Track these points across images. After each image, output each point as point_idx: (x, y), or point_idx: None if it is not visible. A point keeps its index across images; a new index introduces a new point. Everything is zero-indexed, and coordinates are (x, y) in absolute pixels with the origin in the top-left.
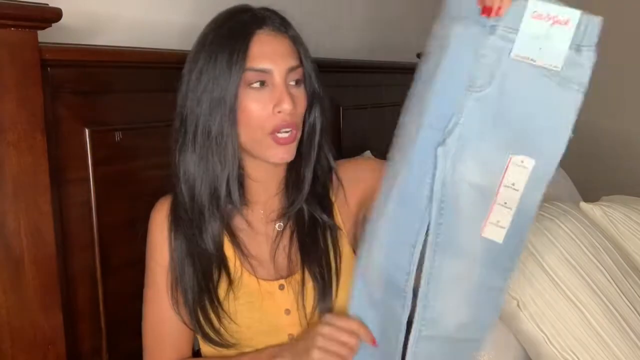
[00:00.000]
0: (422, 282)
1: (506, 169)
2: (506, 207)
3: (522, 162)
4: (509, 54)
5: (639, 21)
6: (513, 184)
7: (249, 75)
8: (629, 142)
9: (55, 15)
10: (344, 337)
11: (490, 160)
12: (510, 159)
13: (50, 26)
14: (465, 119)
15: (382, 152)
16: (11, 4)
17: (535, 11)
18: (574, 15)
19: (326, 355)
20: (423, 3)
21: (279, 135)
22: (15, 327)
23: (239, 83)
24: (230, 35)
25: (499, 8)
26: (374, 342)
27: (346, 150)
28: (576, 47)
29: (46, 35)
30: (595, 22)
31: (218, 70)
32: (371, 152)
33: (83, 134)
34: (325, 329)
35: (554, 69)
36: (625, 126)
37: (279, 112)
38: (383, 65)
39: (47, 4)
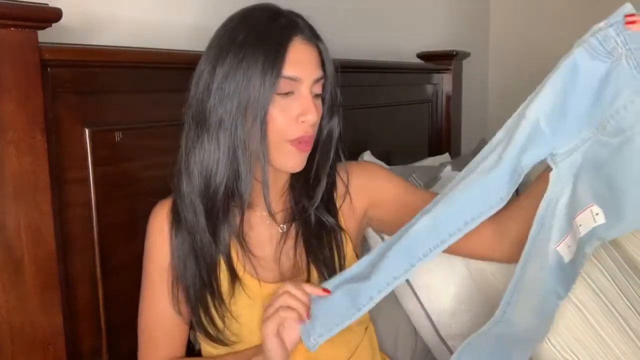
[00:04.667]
0: (509, 288)
1: (583, 211)
2: (575, 239)
3: (597, 214)
4: None
5: None
6: (580, 226)
7: (281, 83)
8: None
9: (55, 15)
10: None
11: (579, 197)
12: (591, 206)
13: (50, 26)
14: (584, 153)
15: (382, 152)
16: (11, 4)
17: None
18: None
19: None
20: (424, 3)
21: (300, 143)
22: (15, 326)
23: (274, 89)
24: (265, 38)
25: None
26: (326, 291)
27: (346, 150)
28: None
29: (46, 35)
30: None
31: (251, 73)
32: (371, 152)
33: (83, 134)
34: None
35: None
36: None
37: (303, 121)
38: (383, 65)
39: (47, 4)
